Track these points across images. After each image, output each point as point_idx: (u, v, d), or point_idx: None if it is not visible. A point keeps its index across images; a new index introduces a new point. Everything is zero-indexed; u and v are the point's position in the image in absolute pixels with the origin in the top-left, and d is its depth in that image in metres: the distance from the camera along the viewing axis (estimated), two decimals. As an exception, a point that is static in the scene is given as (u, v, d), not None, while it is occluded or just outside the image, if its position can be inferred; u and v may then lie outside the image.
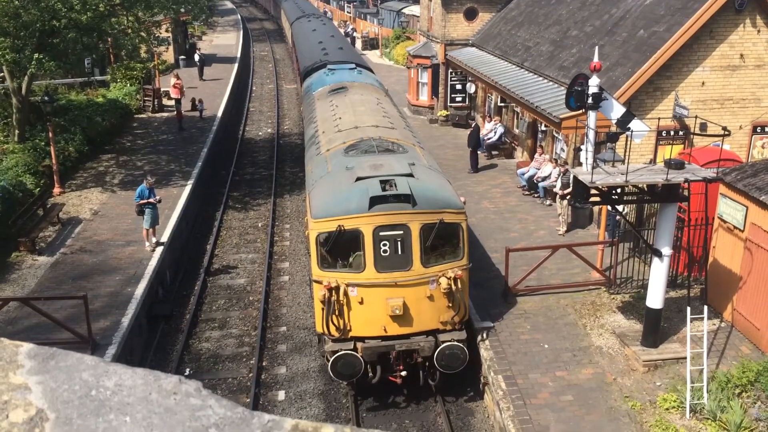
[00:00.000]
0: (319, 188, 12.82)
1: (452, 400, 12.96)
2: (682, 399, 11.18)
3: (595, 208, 16.27)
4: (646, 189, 12.07)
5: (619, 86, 17.13)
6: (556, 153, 21.07)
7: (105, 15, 21.77)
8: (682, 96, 17.67)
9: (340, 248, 11.84)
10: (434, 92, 30.58)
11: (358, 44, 54.30)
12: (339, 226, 11.58)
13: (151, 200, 16.90)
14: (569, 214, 16.17)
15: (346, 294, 11.79)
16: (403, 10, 53.93)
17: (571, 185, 13.72)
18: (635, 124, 12.05)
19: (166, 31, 35.55)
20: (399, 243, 11.72)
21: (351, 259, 11.96)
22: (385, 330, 12.00)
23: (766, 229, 12.28)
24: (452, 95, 30.05)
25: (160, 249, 17.23)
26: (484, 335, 13.22)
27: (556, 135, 20.88)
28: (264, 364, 14.22)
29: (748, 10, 17.59)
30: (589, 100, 11.79)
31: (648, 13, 19.25)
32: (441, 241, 12.12)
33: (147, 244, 17.22)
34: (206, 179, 24.81)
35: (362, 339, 12.04)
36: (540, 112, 19.39)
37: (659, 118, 14.71)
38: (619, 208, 13.66)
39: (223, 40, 57.89)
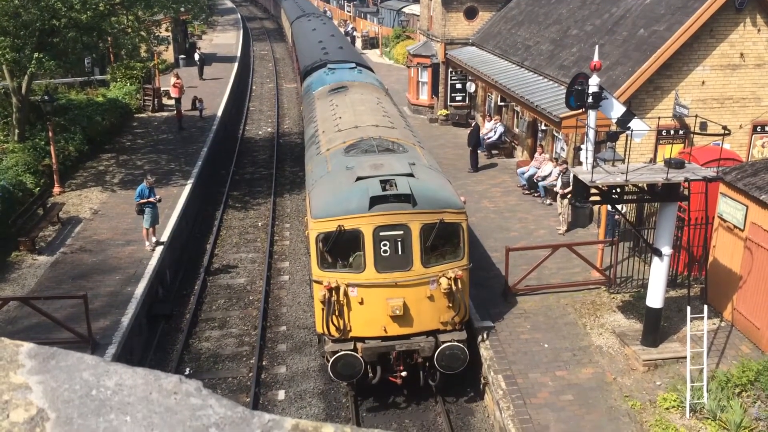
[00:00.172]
0: (319, 188, 12.80)
1: (452, 400, 12.95)
2: (682, 398, 11.17)
3: (595, 208, 16.26)
4: (646, 188, 12.07)
5: (619, 85, 17.13)
6: (556, 152, 21.07)
7: (105, 14, 21.76)
8: (683, 95, 17.67)
9: (340, 248, 11.81)
10: (434, 91, 30.57)
11: (358, 43, 54.29)
12: (339, 226, 11.56)
13: (151, 200, 16.90)
14: (569, 213, 16.15)
15: (346, 294, 11.77)
16: (403, 9, 53.91)
17: (571, 184, 13.73)
18: (635, 124, 12.05)
19: (166, 30, 35.54)
20: (399, 243, 11.70)
21: (351, 259, 11.94)
22: (385, 330, 11.98)
23: (766, 229, 12.27)
24: (452, 94, 30.05)
25: (160, 248, 17.23)
26: (484, 335, 13.22)
27: (556, 134, 20.88)
28: (264, 363, 14.22)
29: (748, 9, 17.58)
30: (589, 100, 11.79)
31: (648, 12, 19.25)
32: (441, 241, 12.09)
33: (147, 243, 17.22)
34: (206, 178, 24.80)
35: (362, 339, 12.01)
36: (540, 112, 19.39)
37: (659, 118, 14.69)
38: (619, 207, 13.66)
39: (223, 39, 57.86)
